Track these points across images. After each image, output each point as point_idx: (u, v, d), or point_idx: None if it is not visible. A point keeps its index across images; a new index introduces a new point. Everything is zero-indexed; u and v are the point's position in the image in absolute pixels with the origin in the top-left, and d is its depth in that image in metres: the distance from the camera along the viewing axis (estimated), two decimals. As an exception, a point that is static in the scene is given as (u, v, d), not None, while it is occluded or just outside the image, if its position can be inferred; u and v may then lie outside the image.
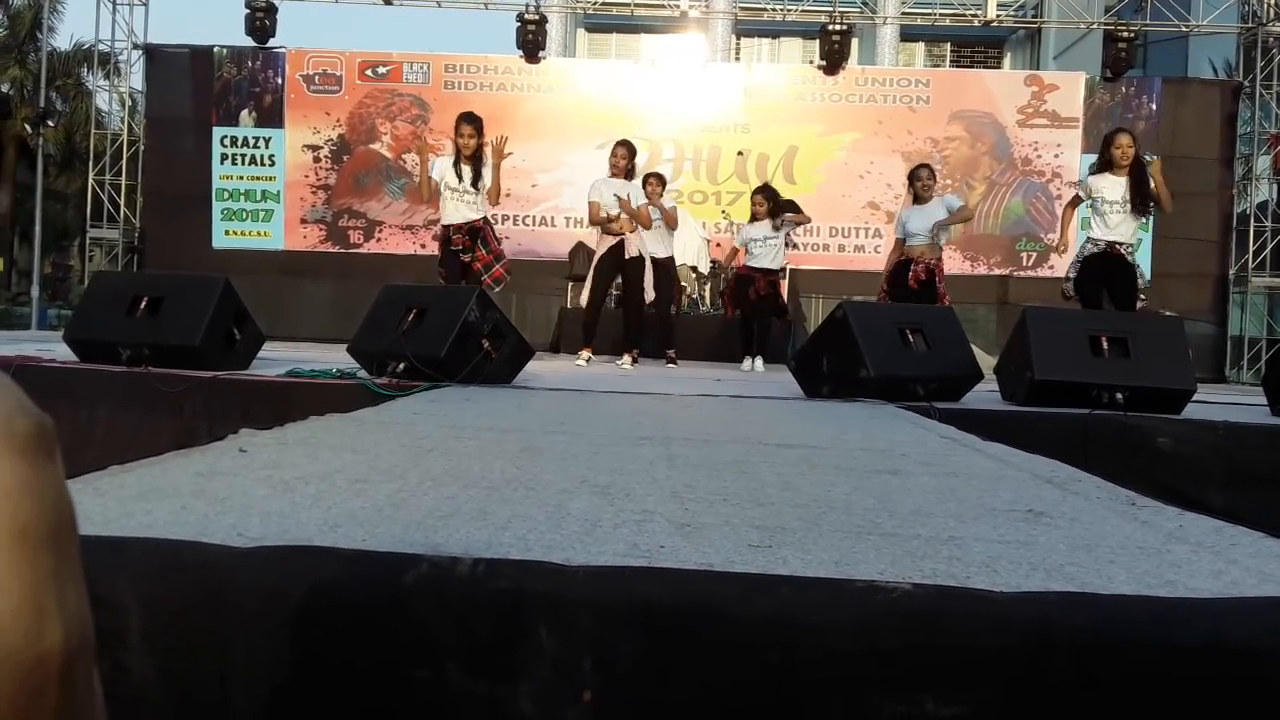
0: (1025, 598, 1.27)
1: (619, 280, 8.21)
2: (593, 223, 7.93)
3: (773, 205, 8.54)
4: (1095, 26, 13.34)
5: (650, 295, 8.00)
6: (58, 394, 4.68)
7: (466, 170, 6.74)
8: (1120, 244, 6.52)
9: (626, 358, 7.97)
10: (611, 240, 7.79)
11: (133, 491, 1.69)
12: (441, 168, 6.85)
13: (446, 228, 6.90)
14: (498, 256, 6.91)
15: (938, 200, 7.59)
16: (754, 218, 8.66)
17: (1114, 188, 6.46)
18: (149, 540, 1.36)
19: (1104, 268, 6.54)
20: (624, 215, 7.70)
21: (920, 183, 7.56)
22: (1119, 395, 4.61)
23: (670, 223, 8.44)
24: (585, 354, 7.89)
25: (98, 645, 1.26)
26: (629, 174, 7.92)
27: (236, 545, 1.34)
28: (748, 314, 8.69)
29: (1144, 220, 6.65)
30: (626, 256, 7.79)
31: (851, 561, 1.43)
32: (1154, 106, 12.70)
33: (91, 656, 0.40)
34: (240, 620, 1.27)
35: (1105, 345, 4.85)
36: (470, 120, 6.79)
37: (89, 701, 0.40)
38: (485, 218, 6.95)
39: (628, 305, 8.17)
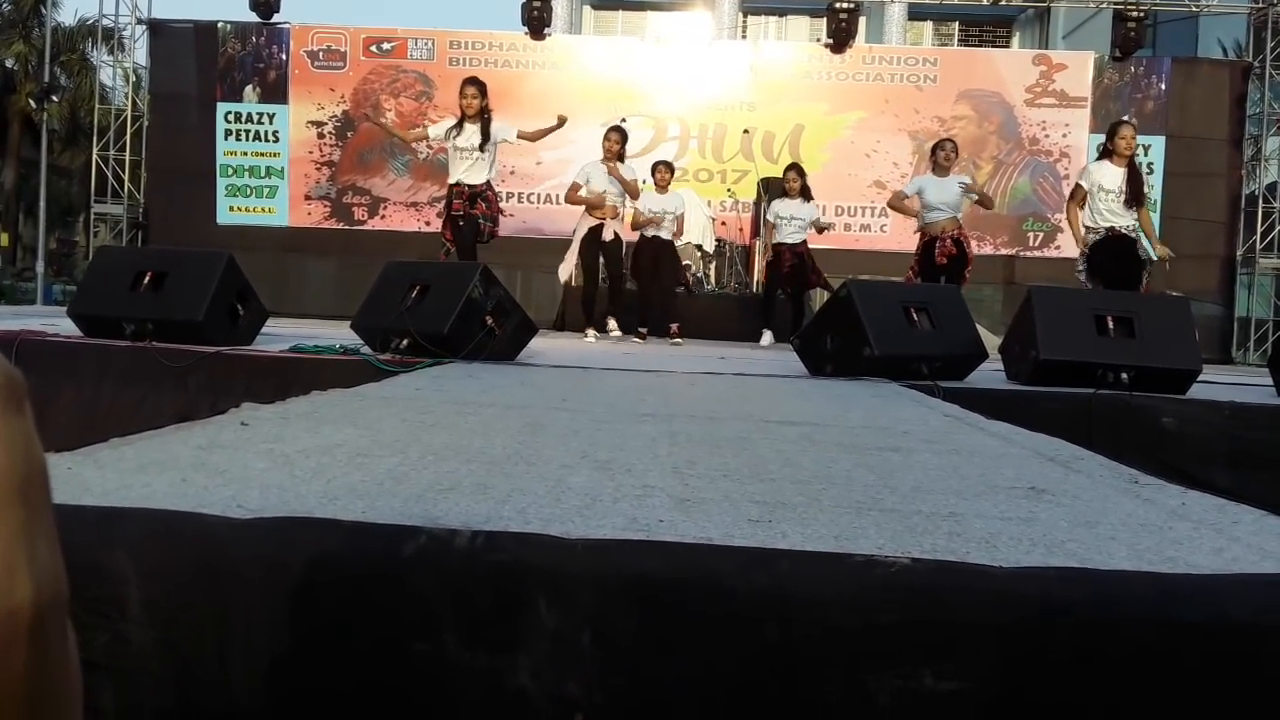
0: (1025, 573, 1.27)
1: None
2: (569, 201, 8.32)
3: (803, 183, 8.68)
4: (1104, 6, 13.23)
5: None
6: (62, 369, 4.69)
7: (472, 129, 6.88)
8: (1122, 227, 6.55)
9: (612, 322, 8.40)
10: (592, 222, 8.09)
11: (133, 464, 1.69)
12: (443, 128, 7.03)
13: (451, 187, 7.11)
14: (494, 218, 7.03)
15: (955, 177, 7.59)
16: (786, 194, 8.75)
17: (1112, 177, 6.54)
18: (149, 511, 1.36)
19: (1111, 251, 6.57)
20: (608, 201, 7.98)
21: (944, 153, 7.55)
22: (1124, 375, 4.60)
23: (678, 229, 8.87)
24: (592, 333, 8.07)
25: (97, 615, 1.26)
26: (621, 158, 8.08)
27: (236, 516, 1.34)
28: (771, 290, 8.83)
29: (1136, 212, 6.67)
30: (604, 239, 8.07)
31: (851, 536, 1.43)
32: (1163, 87, 12.61)
33: (64, 612, 0.40)
34: (239, 591, 1.27)
35: (1110, 325, 4.84)
36: (474, 82, 7.04)
37: (62, 658, 0.40)
38: (489, 182, 7.08)
39: (612, 284, 8.42)
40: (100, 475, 1.59)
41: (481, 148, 6.91)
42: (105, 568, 1.28)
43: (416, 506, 1.48)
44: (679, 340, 8.43)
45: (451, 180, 7.07)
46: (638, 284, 8.82)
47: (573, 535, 1.33)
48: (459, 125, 6.98)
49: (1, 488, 0.36)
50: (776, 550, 1.34)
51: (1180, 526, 1.60)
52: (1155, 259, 6.91)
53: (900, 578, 1.25)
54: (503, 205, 7.52)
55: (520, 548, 1.27)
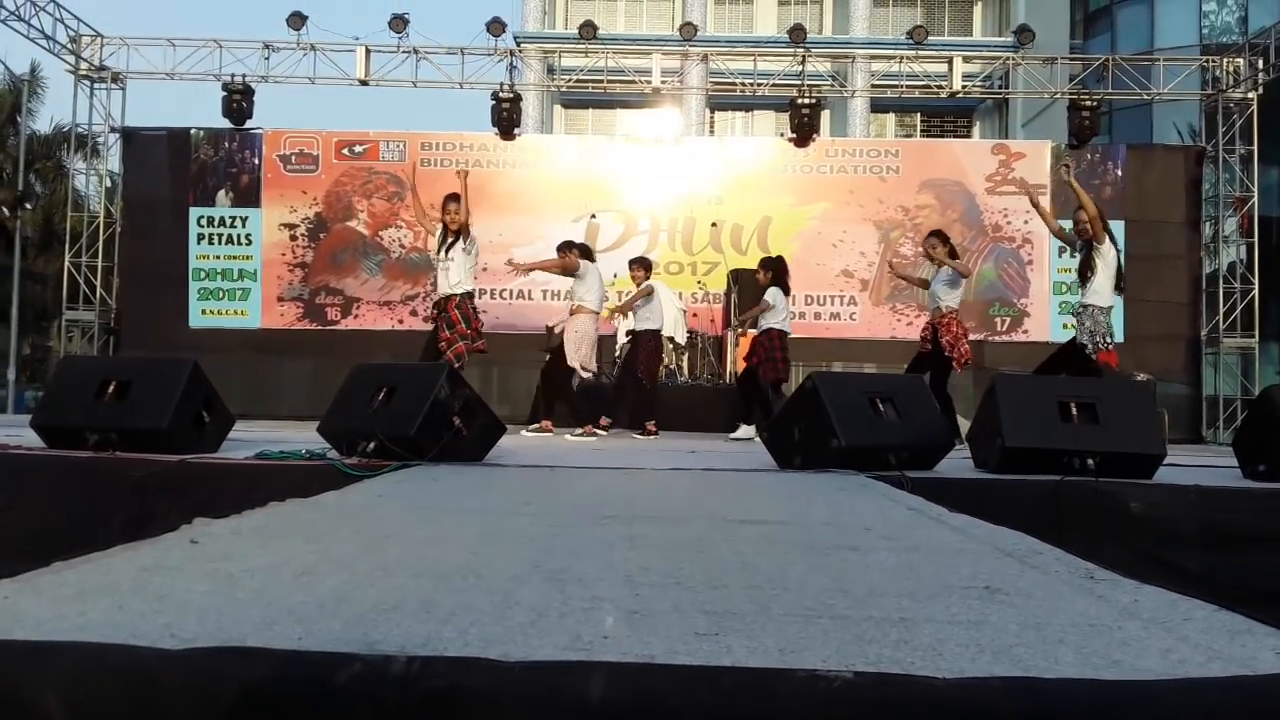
0: (967, 684, 1.25)
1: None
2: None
3: (772, 275, 8.73)
4: (1060, 96, 13.59)
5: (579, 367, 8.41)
6: (23, 481, 4.61)
7: (449, 241, 7.32)
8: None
9: (580, 431, 8.31)
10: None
11: (71, 590, 1.66)
12: (435, 243, 7.52)
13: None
14: (461, 335, 7.07)
15: (942, 269, 7.87)
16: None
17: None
18: (77, 644, 1.33)
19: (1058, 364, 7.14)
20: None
21: (927, 245, 8.01)
22: (1090, 461, 4.60)
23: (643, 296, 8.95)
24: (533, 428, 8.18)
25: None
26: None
27: (167, 647, 1.32)
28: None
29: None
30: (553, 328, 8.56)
31: (797, 649, 1.41)
32: (1119, 172, 12.92)
33: None
34: (168, 725, 1.23)
35: (1074, 411, 4.85)
36: (456, 199, 7.35)
37: None
38: (456, 294, 7.19)
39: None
40: (36, 604, 1.56)
41: (448, 252, 7.28)
42: (30, 703, 1.25)
43: (356, 630, 1.45)
44: (654, 435, 8.44)
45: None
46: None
47: (512, 657, 1.31)
48: (442, 238, 7.40)
49: None
50: (718, 668, 1.32)
51: (1130, 626, 1.59)
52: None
53: (842, 693, 1.23)
54: (477, 302, 7.57)
55: (455, 673, 1.25)
